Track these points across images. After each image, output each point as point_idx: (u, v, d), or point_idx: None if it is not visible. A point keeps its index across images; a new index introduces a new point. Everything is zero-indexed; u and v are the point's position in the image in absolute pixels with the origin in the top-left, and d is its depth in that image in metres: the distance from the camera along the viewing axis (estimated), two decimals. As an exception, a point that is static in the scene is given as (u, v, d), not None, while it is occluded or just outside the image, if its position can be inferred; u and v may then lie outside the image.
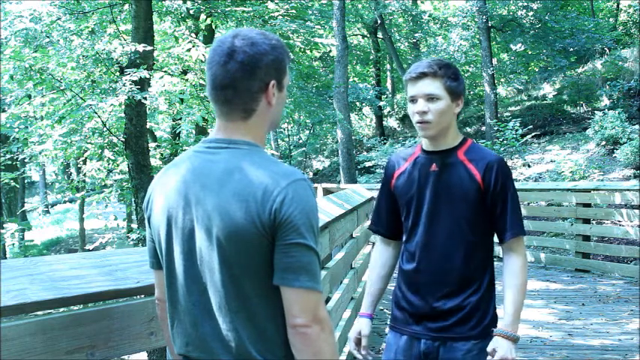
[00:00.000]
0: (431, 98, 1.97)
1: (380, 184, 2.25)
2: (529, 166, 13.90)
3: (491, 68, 17.14)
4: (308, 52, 11.67)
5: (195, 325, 1.38)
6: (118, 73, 7.40)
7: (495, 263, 2.12)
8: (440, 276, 2.01)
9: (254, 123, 1.40)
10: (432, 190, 2.02)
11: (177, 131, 10.63)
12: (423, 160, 2.07)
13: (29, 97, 8.77)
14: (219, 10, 9.87)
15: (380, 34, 22.73)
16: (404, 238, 2.14)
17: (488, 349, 1.98)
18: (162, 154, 9.55)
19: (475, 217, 2.00)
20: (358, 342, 2.16)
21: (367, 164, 17.92)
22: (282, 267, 1.29)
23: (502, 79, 20.87)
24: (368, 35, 23.81)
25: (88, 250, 12.40)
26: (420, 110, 1.98)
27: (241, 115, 1.39)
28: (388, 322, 2.17)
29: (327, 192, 10.45)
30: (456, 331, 2.00)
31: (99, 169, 9.08)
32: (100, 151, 8.12)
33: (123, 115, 7.39)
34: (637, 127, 12.19)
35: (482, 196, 1.99)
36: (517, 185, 9.04)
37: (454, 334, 2.00)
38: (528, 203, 9.49)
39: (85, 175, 10.35)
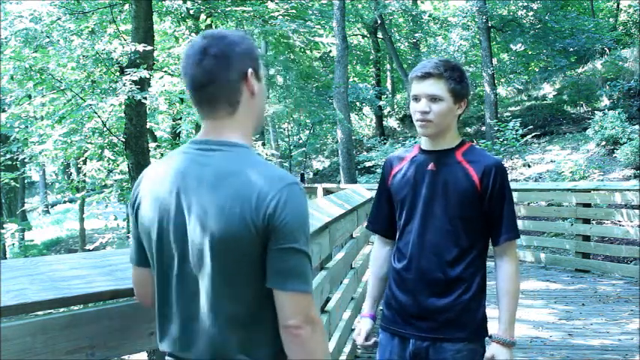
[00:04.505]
0: (434, 99, 1.98)
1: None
2: (529, 166, 13.90)
3: (491, 68, 17.14)
4: (308, 52, 11.69)
5: (185, 326, 1.39)
6: (118, 73, 7.41)
7: (488, 263, 2.11)
8: (431, 274, 2.00)
9: (240, 117, 1.40)
10: (427, 189, 2.02)
11: (177, 131, 10.66)
12: (420, 159, 2.08)
13: (29, 97, 8.77)
14: (219, 10, 9.88)
15: (380, 34, 22.72)
16: (397, 237, 2.14)
17: (487, 355, 1.99)
18: (162, 154, 9.55)
19: (469, 218, 2.00)
20: (365, 338, 2.20)
21: (367, 164, 17.90)
22: (275, 271, 1.30)
23: (502, 79, 20.88)
24: (368, 35, 23.81)
25: (88, 250, 12.39)
26: (421, 110, 1.99)
27: (227, 110, 1.39)
28: (379, 322, 2.18)
29: (327, 192, 10.45)
30: (445, 331, 1.99)
31: (99, 169, 9.10)
32: (100, 151, 8.14)
33: (123, 115, 7.40)
34: (637, 127, 12.19)
35: (478, 198, 1.99)
36: (517, 185, 9.07)
37: (443, 335, 1.99)
38: (528, 203, 9.48)
39: (85, 175, 10.37)
